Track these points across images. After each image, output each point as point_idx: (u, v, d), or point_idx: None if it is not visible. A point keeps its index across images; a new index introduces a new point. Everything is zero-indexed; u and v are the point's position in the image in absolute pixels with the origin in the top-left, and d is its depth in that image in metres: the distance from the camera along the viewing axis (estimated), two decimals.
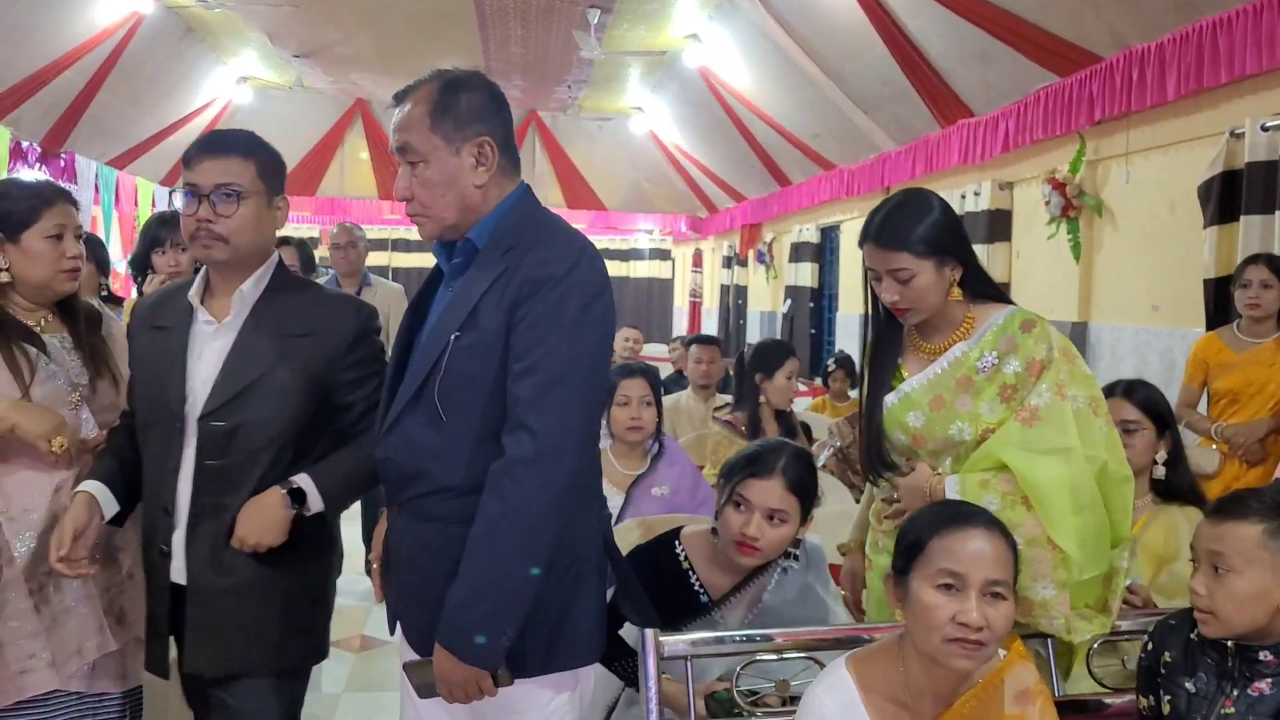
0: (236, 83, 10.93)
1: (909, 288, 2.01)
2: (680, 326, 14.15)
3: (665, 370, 6.83)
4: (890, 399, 2.11)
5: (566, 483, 1.64)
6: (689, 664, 1.93)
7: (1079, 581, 1.94)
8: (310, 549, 2.05)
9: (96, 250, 3.71)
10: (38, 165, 7.88)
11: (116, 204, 9.65)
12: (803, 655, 1.98)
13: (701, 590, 2.20)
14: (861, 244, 2.08)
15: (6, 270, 2.15)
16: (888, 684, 1.62)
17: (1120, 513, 2.00)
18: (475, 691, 1.66)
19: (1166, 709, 1.74)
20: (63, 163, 8.32)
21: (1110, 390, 2.47)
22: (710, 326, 13.25)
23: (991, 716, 1.58)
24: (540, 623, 1.71)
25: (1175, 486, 2.43)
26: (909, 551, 1.62)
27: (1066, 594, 1.92)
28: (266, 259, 2.08)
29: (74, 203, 2.24)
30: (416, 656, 1.77)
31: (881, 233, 2.03)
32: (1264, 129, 4.05)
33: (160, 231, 3.36)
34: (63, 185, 2.34)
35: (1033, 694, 1.61)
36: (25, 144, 7.65)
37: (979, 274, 2.09)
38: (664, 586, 2.16)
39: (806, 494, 2.18)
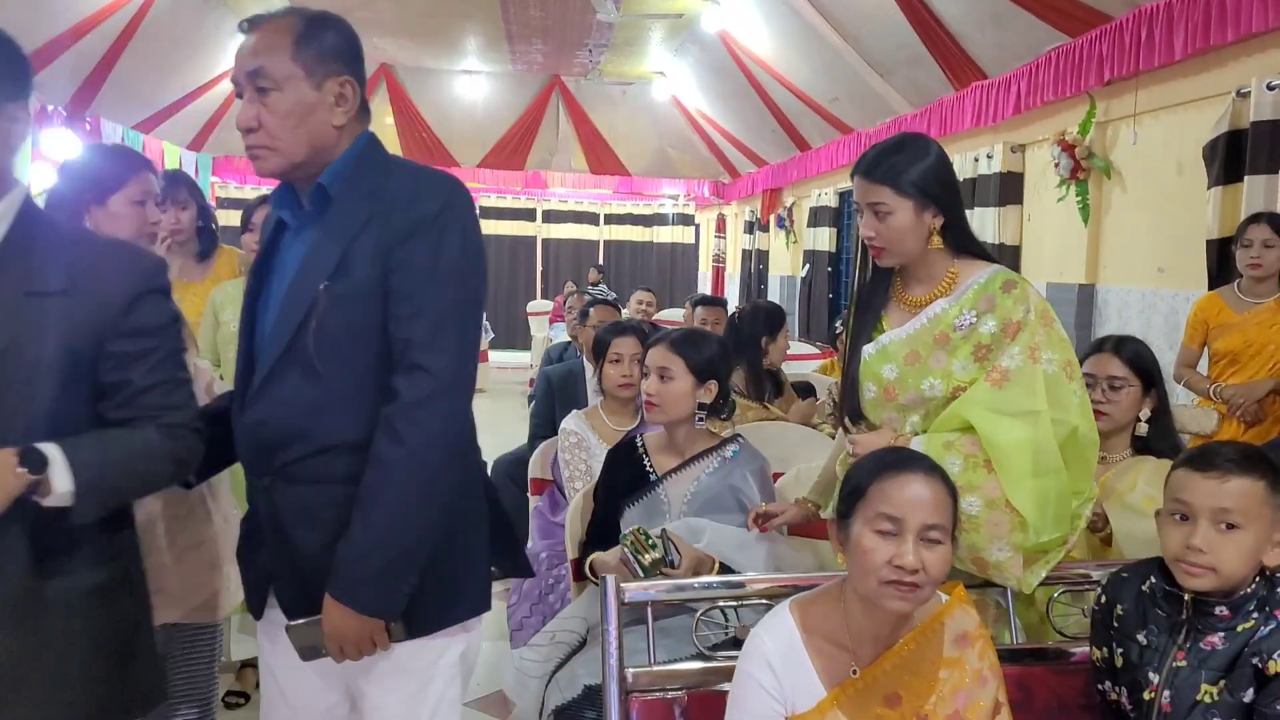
0: None
1: (885, 225, 2.02)
2: (704, 291, 14.14)
3: None
4: (868, 349, 2.11)
5: (463, 422, 1.63)
6: (649, 610, 1.98)
7: (1037, 544, 1.95)
8: (83, 567, 1.54)
9: None
10: (63, 129, 8.01)
11: None
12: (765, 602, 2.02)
13: (651, 470, 2.55)
14: (852, 176, 2.09)
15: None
16: (829, 626, 1.64)
17: (1085, 472, 2.02)
18: (369, 646, 1.62)
19: (1119, 661, 1.76)
20: (88, 126, 8.43)
21: (1099, 345, 2.47)
22: (732, 291, 13.24)
23: (930, 658, 1.61)
24: (430, 574, 1.65)
25: (1157, 443, 2.42)
26: (850, 496, 1.64)
27: (1020, 556, 1.94)
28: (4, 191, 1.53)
29: (155, 171, 2.28)
30: (285, 626, 1.68)
31: (869, 166, 2.03)
32: (1270, 87, 4.00)
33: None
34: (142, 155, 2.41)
35: (972, 637, 1.63)
36: (50, 108, 7.77)
37: (964, 229, 2.08)
38: (620, 465, 2.61)
39: (688, 355, 2.52)
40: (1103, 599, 1.84)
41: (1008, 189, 6.09)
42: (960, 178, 6.58)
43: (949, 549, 1.60)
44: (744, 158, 11.90)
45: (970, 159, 6.43)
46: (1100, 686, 1.83)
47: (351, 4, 9.40)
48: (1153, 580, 1.76)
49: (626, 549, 2.17)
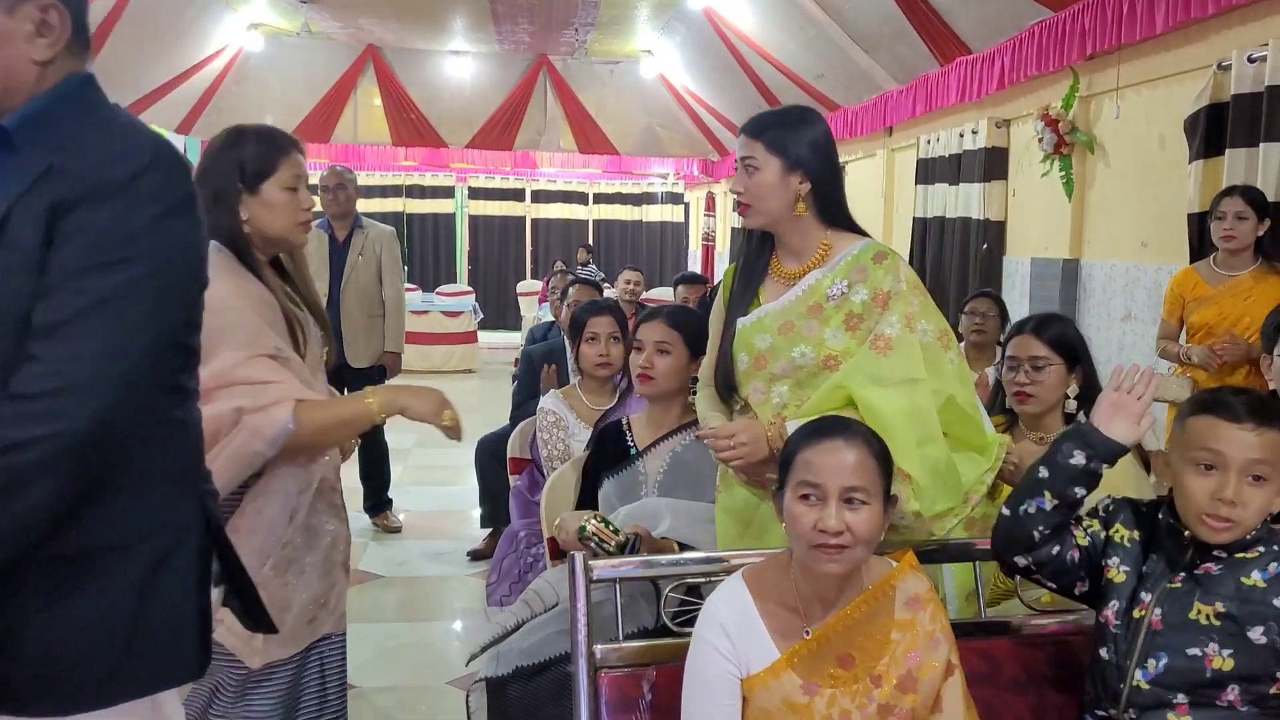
0: (247, 29, 10.94)
1: (753, 181, 2.06)
2: (694, 270, 14.15)
3: None
4: (743, 321, 2.13)
5: (84, 438, 1.24)
6: (617, 587, 2.00)
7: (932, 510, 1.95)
8: None
9: None
10: None
11: None
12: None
13: (632, 444, 2.61)
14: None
15: (247, 223, 2.02)
16: (779, 591, 1.69)
17: (974, 435, 2.03)
18: None
19: (1119, 577, 1.74)
20: None
21: (1020, 327, 2.48)
22: (722, 270, 13.20)
23: (882, 621, 1.64)
24: (93, 633, 1.32)
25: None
26: (782, 468, 1.70)
27: (924, 521, 1.96)
28: None
29: (304, 150, 2.14)
30: None
31: (750, 124, 2.09)
32: (1250, 60, 3.99)
33: None
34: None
35: (923, 600, 1.66)
36: None
37: (836, 201, 2.11)
38: (606, 440, 2.66)
39: (685, 329, 2.55)
40: (1110, 508, 1.80)
41: (992, 164, 6.09)
42: (946, 154, 6.59)
43: (875, 509, 1.63)
44: (732, 136, 11.85)
45: (955, 135, 6.43)
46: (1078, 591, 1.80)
47: None
48: (1163, 518, 1.73)
49: (591, 541, 2.19)
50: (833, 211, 2.11)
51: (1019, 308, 5.33)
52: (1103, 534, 1.79)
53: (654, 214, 15.63)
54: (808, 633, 1.65)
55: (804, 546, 1.62)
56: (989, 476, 2.04)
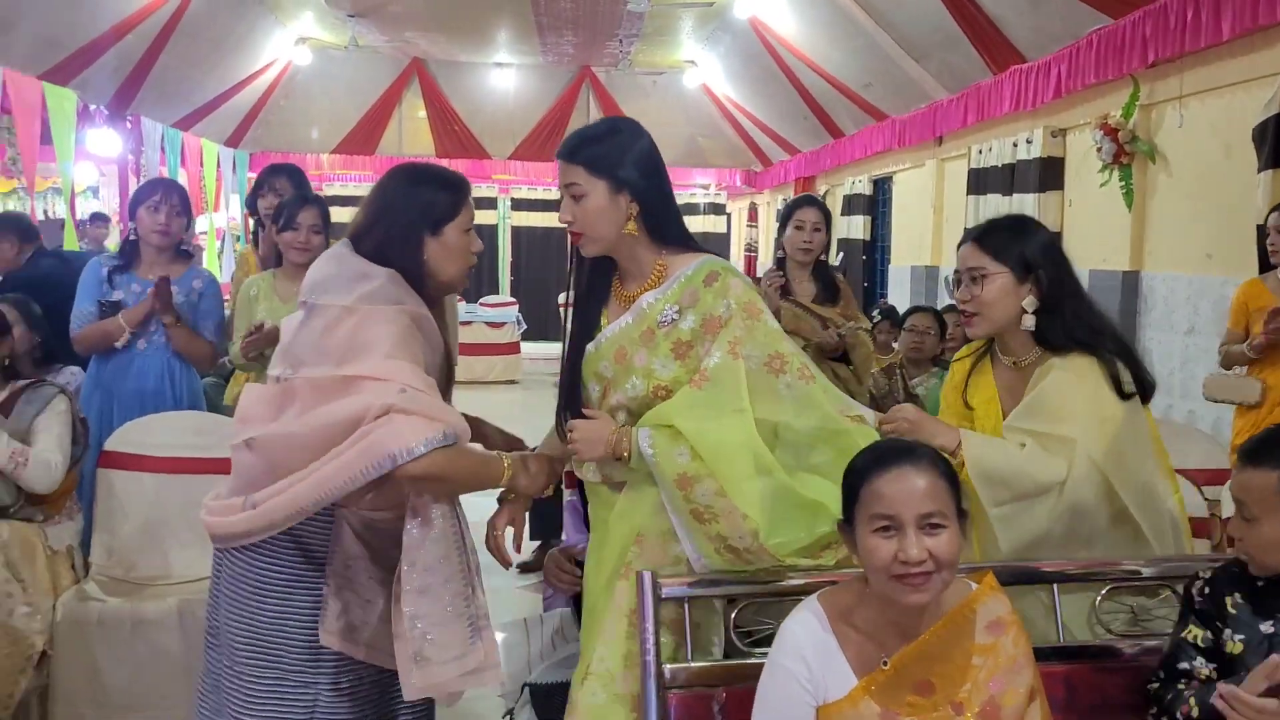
0: (295, 44, 11.08)
1: (580, 208, 1.94)
2: None
3: None
4: (590, 347, 2.03)
5: None
6: (687, 605, 1.97)
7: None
8: None
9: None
10: (106, 128, 8.12)
11: (183, 164, 9.91)
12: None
13: None
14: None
15: (424, 265, 2.03)
16: (855, 616, 1.66)
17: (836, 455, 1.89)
18: None
19: (1238, 648, 1.74)
20: (129, 125, 8.54)
21: (965, 238, 2.24)
22: None
23: (963, 646, 1.60)
24: None
25: (1049, 335, 2.13)
26: (848, 501, 1.66)
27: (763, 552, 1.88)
28: None
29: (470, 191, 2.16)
30: None
31: (566, 148, 1.96)
32: None
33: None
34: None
35: (1005, 624, 1.62)
36: (93, 107, 7.87)
37: (666, 218, 1.98)
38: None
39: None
40: (1206, 589, 1.82)
41: (1048, 175, 6.01)
42: (999, 163, 6.51)
43: (953, 530, 1.59)
44: (776, 146, 11.82)
45: (1009, 144, 6.35)
46: (1187, 665, 1.79)
47: None
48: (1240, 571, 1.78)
49: None
50: (664, 230, 1.98)
51: None
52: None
53: (695, 225, 15.57)
54: (885, 662, 1.61)
55: (884, 578, 1.58)
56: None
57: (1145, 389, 2.14)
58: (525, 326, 11.91)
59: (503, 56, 12.24)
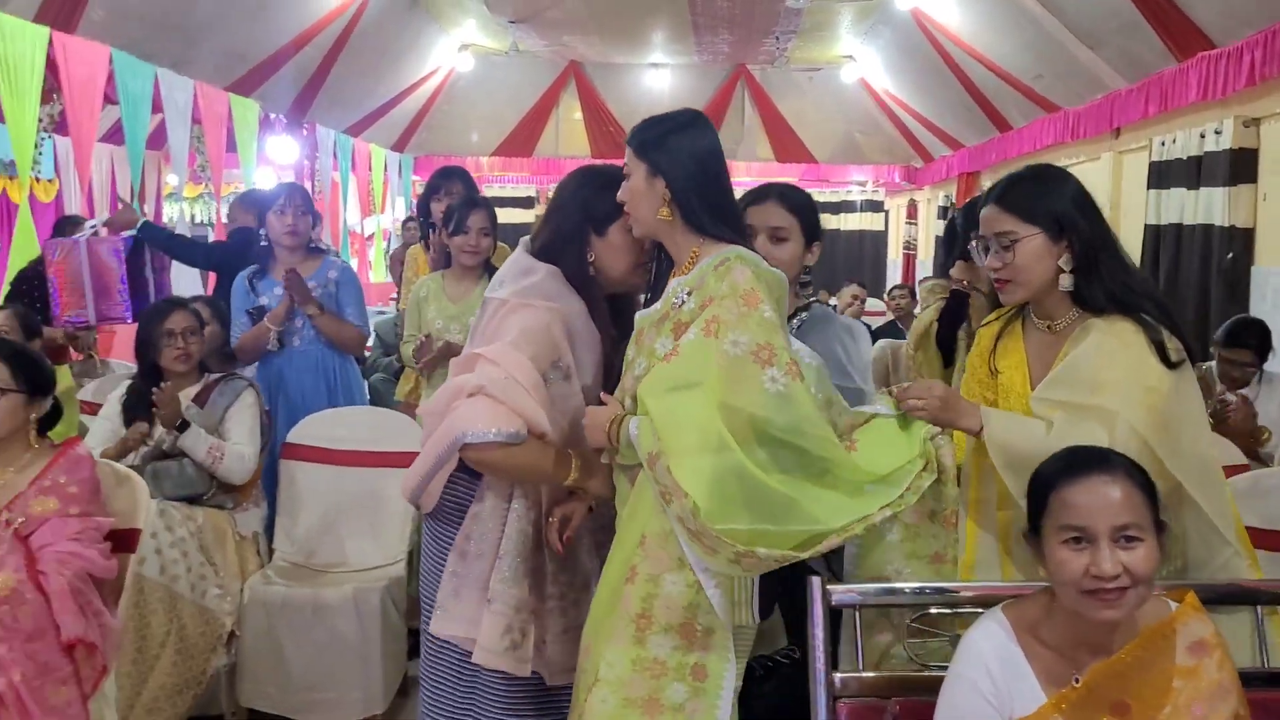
0: (458, 50, 11.44)
1: (626, 186, 2.02)
2: (894, 279, 13.78)
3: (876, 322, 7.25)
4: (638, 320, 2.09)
5: None
6: (858, 614, 1.93)
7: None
8: None
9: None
10: (285, 136, 8.59)
11: (354, 169, 10.40)
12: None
13: None
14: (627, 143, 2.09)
15: (592, 264, 2.13)
16: (1043, 631, 1.59)
17: (813, 464, 1.82)
18: None
19: None
20: (305, 132, 9.02)
21: (986, 197, 2.11)
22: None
23: (1162, 667, 1.52)
24: None
25: (1087, 295, 1.97)
26: (1034, 509, 1.58)
27: (694, 548, 1.81)
28: None
29: None
30: None
31: (634, 130, 2.04)
32: None
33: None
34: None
35: (1210, 645, 1.54)
36: (273, 116, 8.34)
37: (704, 208, 1.97)
38: None
39: (802, 213, 2.39)
40: None
41: (1239, 166, 5.61)
42: (1184, 155, 6.13)
43: (1151, 543, 1.50)
44: (937, 141, 11.47)
45: (1195, 135, 5.97)
46: None
47: (543, 4, 9.65)
48: None
49: None
50: (700, 220, 1.97)
51: (1270, 323, 4.86)
52: None
53: (852, 222, 15.29)
54: (1077, 679, 1.54)
55: (1074, 593, 1.51)
56: (857, 525, 1.84)
57: (1190, 355, 1.95)
58: None
59: (658, 57, 12.31)
